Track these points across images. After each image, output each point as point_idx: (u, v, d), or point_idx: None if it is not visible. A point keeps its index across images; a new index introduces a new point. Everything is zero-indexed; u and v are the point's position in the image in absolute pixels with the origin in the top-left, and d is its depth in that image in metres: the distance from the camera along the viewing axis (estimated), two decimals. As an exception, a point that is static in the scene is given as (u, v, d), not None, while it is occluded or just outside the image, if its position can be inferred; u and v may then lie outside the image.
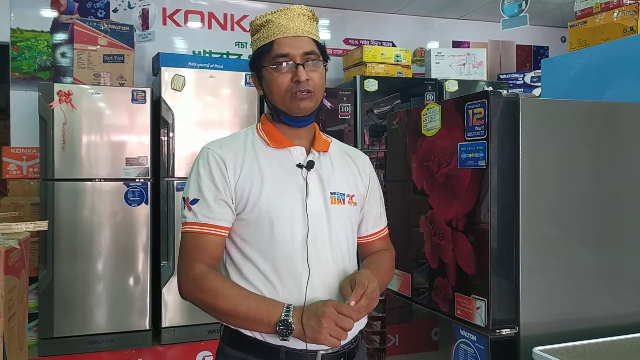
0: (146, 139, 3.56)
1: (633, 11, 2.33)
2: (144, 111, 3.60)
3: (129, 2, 4.31)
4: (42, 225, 1.95)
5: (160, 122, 3.66)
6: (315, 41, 1.36)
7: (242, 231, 1.32)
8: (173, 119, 3.62)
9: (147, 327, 3.56)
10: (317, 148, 1.40)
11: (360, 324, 1.37)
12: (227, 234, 1.32)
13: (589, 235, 1.64)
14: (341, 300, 1.27)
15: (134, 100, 3.59)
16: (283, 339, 1.22)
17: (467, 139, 1.60)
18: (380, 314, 2.35)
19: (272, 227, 1.29)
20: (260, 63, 1.35)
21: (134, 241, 3.50)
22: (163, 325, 3.55)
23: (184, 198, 1.34)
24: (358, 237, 1.50)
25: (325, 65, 1.38)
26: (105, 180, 3.52)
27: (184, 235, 1.32)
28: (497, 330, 1.53)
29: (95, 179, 3.51)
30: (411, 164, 1.90)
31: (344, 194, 1.39)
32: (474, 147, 1.57)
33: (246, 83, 3.66)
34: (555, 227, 1.59)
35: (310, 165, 1.36)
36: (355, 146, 4.06)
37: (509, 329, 1.54)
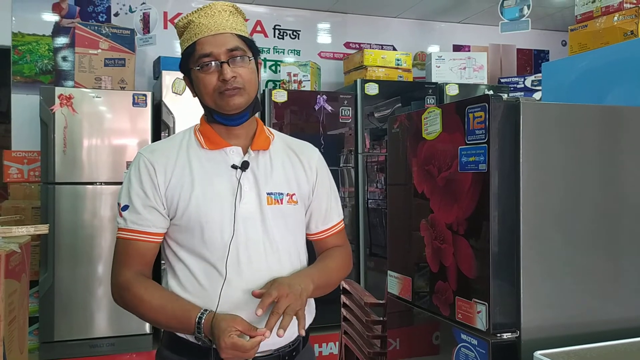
0: (147, 142, 3.56)
1: (633, 15, 2.33)
2: (145, 115, 3.61)
3: (130, 6, 4.33)
4: (43, 229, 1.95)
5: (161, 125, 3.67)
6: (241, 36, 1.32)
7: (176, 235, 1.32)
8: (174, 123, 3.63)
9: (148, 331, 3.56)
10: (255, 147, 1.36)
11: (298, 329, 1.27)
12: (159, 240, 1.32)
13: (590, 239, 1.63)
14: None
15: (135, 103, 3.59)
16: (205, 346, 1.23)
17: (467, 142, 1.60)
18: (381, 318, 2.35)
19: (202, 231, 1.28)
20: (188, 65, 1.32)
21: (134, 245, 3.50)
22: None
23: (118, 203, 1.33)
24: (309, 235, 1.47)
25: (255, 60, 1.34)
26: (106, 183, 3.53)
27: (116, 240, 1.34)
28: (498, 334, 1.52)
29: (96, 182, 3.52)
30: (412, 167, 1.90)
31: (282, 194, 1.35)
32: (475, 150, 1.57)
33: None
34: (556, 231, 1.59)
35: (244, 165, 1.32)
36: (356, 149, 4.07)
37: (510, 333, 1.53)
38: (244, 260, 1.28)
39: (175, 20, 1.36)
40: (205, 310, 1.22)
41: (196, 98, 1.37)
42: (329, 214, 1.49)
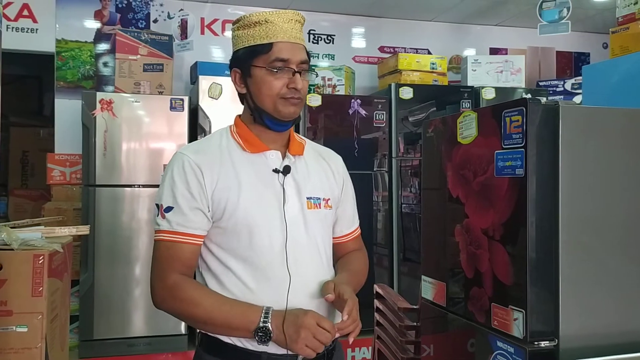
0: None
1: (678, 16, 2.26)
2: (182, 119, 3.68)
3: (168, 13, 4.42)
4: (84, 230, 2.01)
5: (197, 129, 3.73)
6: (306, 50, 1.36)
7: (218, 239, 1.30)
8: (210, 127, 3.68)
9: (183, 331, 3.62)
10: (293, 152, 1.38)
11: None
12: (202, 242, 1.30)
13: (632, 245, 1.59)
14: (323, 304, 1.29)
15: (172, 108, 3.67)
16: (261, 344, 1.22)
17: (504, 147, 1.58)
18: (415, 324, 2.33)
19: (250, 235, 1.28)
20: (252, 62, 1.32)
21: (171, 246, 3.56)
22: (198, 330, 3.59)
23: (157, 205, 1.30)
24: (332, 238, 1.48)
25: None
26: (144, 186, 3.60)
27: (157, 243, 1.29)
28: (536, 343, 1.49)
29: (134, 185, 3.60)
30: (446, 172, 1.88)
31: (319, 199, 1.37)
32: (512, 155, 1.55)
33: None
34: (596, 237, 1.55)
35: (286, 170, 1.34)
36: (390, 154, 4.05)
37: (548, 341, 1.50)
38: (292, 263, 1.29)
39: (244, 15, 1.35)
40: (270, 306, 1.23)
41: (234, 99, 1.40)
42: (352, 218, 1.53)
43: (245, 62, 1.33)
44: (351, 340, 1.25)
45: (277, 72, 1.29)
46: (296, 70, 1.30)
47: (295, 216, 1.32)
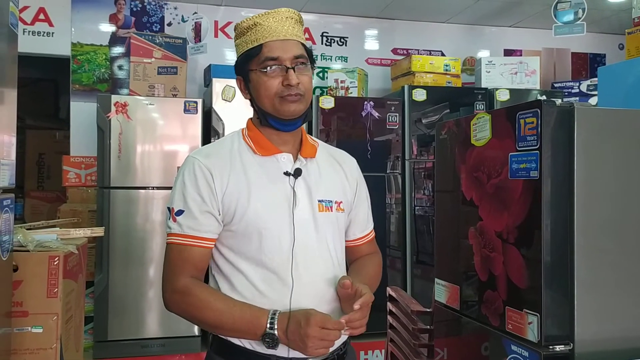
0: (197, 148, 3.65)
1: (697, 16, 2.23)
2: (196, 121, 3.70)
3: (182, 16, 4.45)
4: (99, 232, 2.03)
5: (211, 131, 3.75)
6: (303, 45, 1.34)
7: (229, 242, 1.31)
8: (223, 129, 3.70)
9: (197, 333, 3.63)
10: (304, 154, 1.37)
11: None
12: (212, 245, 1.31)
13: (649, 250, 1.57)
14: (334, 303, 1.30)
15: (186, 110, 3.69)
16: (270, 349, 1.22)
17: (518, 149, 1.57)
18: (428, 327, 2.32)
19: (260, 238, 1.28)
20: (248, 66, 1.33)
21: (184, 248, 3.58)
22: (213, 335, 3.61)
23: (169, 208, 1.31)
24: (345, 241, 1.48)
25: (313, 69, 1.36)
26: (158, 188, 3.63)
27: (168, 246, 1.31)
28: (551, 347, 1.48)
29: (148, 187, 3.62)
30: (460, 174, 1.87)
31: (331, 202, 1.37)
32: (526, 157, 1.54)
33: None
34: (612, 240, 1.53)
35: (297, 173, 1.33)
36: (403, 156, 4.04)
37: (563, 346, 1.49)
38: (302, 266, 1.29)
39: (238, 22, 1.36)
40: (276, 310, 1.24)
41: (247, 102, 1.39)
42: (366, 221, 1.52)
43: (243, 69, 1.35)
44: (346, 334, 1.24)
45: (268, 71, 1.29)
46: (289, 66, 1.29)
47: (305, 219, 1.32)
